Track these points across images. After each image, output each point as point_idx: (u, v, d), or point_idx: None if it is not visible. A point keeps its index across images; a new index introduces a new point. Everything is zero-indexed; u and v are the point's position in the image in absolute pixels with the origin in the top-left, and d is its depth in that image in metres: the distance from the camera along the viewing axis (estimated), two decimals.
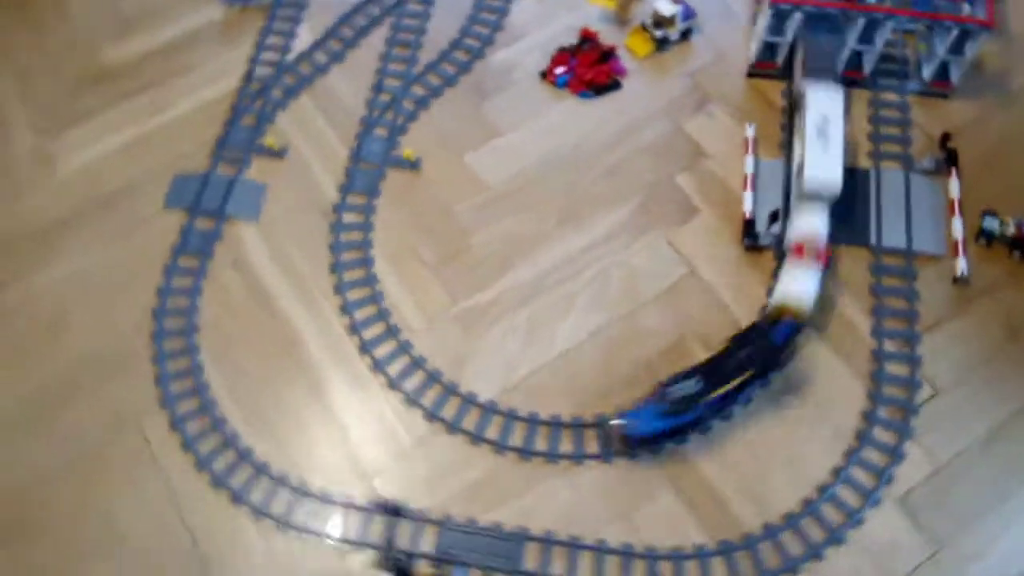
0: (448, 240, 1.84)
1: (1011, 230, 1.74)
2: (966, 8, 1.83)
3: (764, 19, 1.87)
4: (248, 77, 2.04)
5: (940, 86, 1.95)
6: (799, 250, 1.68)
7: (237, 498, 1.57)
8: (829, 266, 1.74)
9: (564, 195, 1.89)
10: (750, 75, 2.01)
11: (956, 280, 1.73)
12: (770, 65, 1.98)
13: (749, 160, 1.86)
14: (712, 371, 1.56)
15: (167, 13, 2.15)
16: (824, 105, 1.74)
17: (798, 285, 1.65)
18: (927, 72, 1.94)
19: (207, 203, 1.86)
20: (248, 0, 2.14)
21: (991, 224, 1.76)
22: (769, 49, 1.95)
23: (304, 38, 2.11)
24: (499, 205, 1.88)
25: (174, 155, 1.94)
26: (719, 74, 2.03)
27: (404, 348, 1.71)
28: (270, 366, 1.70)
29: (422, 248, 1.83)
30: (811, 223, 1.70)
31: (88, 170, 1.93)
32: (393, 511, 1.54)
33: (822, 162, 1.69)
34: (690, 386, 1.53)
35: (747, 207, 1.80)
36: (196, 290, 1.77)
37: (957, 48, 1.86)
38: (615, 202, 1.87)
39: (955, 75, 1.92)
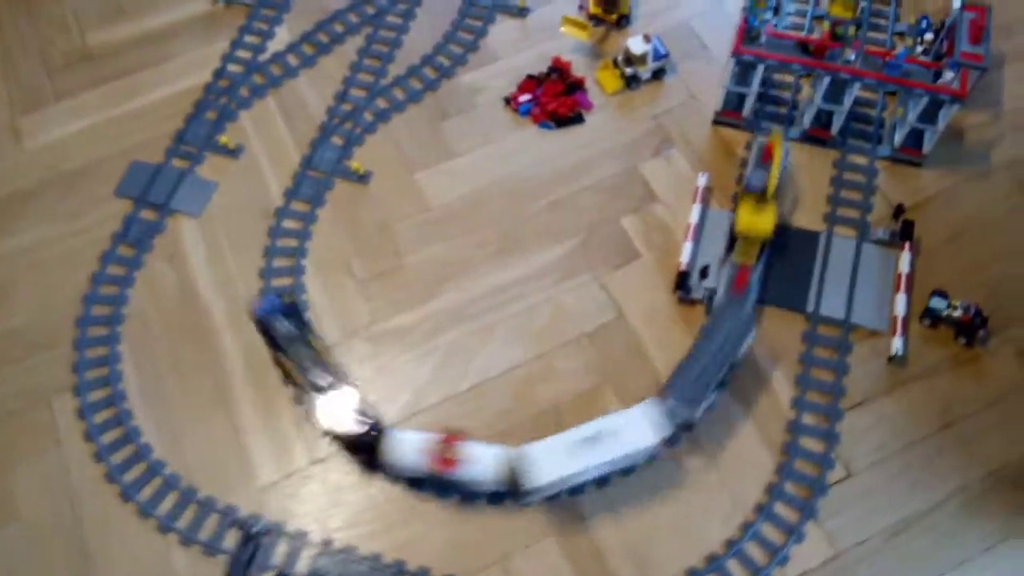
0: (382, 257, 1.83)
1: (958, 313, 1.65)
2: (948, 76, 1.75)
3: (728, 68, 1.82)
4: (218, 73, 2.06)
5: (911, 153, 1.86)
6: None
7: (127, 495, 1.58)
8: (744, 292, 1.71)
9: (506, 224, 1.86)
10: (715, 123, 1.95)
11: (891, 359, 1.65)
12: (734, 115, 1.92)
13: (696, 209, 1.81)
14: None
15: (155, 3, 2.19)
16: None
17: None
18: (898, 137, 1.85)
19: (154, 195, 1.89)
20: None
21: (938, 304, 1.67)
22: (735, 98, 1.90)
23: (281, 39, 2.13)
24: (439, 227, 1.86)
25: (136, 142, 1.97)
26: (685, 118, 1.98)
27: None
28: (184, 366, 1.71)
29: (355, 262, 1.82)
30: None
31: (53, 148, 1.98)
32: (254, 536, 1.54)
33: None
34: None
35: (684, 258, 1.75)
36: (128, 280, 1.80)
37: (929, 117, 1.78)
38: (556, 237, 1.84)
39: (927, 144, 1.83)
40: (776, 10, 2.09)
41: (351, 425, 1.57)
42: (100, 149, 1.97)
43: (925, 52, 1.95)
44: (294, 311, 1.69)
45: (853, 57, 1.77)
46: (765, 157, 1.70)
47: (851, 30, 2.02)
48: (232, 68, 2.07)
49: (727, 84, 1.85)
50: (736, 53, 1.76)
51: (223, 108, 2.01)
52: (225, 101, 2.02)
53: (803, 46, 1.77)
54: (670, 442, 1.59)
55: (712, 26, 2.10)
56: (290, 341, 1.64)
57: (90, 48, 2.12)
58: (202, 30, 2.15)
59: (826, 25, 2.03)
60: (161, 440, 1.64)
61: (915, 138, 1.84)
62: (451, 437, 1.52)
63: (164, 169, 1.92)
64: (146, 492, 1.59)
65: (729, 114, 1.93)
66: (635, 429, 1.49)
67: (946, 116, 1.75)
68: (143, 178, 1.91)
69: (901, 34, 2.06)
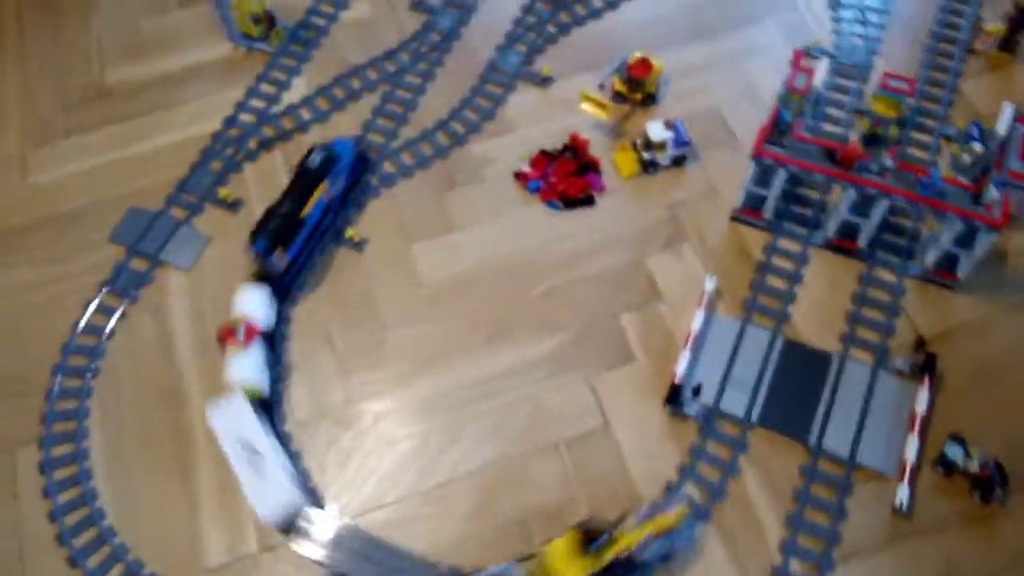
0: (366, 330, 1.75)
1: (974, 466, 1.49)
2: (993, 194, 1.60)
3: (749, 168, 1.70)
4: (229, 122, 2.03)
5: (944, 276, 1.71)
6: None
7: (74, 560, 1.53)
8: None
9: (499, 309, 1.77)
10: (734, 219, 1.83)
11: (895, 510, 1.50)
12: (755, 214, 1.80)
13: (699, 316, 1.69)
14: None
15: (180, 43, 2.18)
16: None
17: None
18: (931, 257, 1.70)
19: (147, 244, 1.85)
20: (253, 43, 2.13)
21: (954, 453, 1.51)
22: (756, 196, 1.77)
23: (297, 90, 2.09)
24: (429, 305, 1.78)
25: (138, 187, 1.95)
26: (703, 211, 1.86)
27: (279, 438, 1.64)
28: (150, 430, 1.66)
29: (337, 333, 1.75)
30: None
31: (56, 186, 1.96)
32: None
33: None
34: None
35: (680, 369, 1.63)
36: (108, 331, 1.77)
37: (966, 241, 1.63)
38: (549, 328, 1.74)
39: (963, 269, 1.68)
40: (816, 102, 1.97)
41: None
42: (101, 191, 1.95)
43: (973, 164, 1.80)
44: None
45: (888, 163, 1.63)
46: None
47: (892, 130, 1.89)
48: (244, 117, 2.04)
49: (747, 184, 1.73)
50: (756, 155, 1.64)
51: (229, 159, 1.97)
52: (232, 152, 1.98)
53: (830, 153, 1.64)
54: None
55: (743, 114, 1.98)
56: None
57: (108, 85, 2.12)
58: (220, 75, 2.12)
59: (866, 122, 1.90)
60: (116, 506, 1.59)
61: (950, 260, 1.69)
62: None
63: (161, 218, 1.89)
64: (94, 560, 1.53)
65: (749, 212, 1.80)
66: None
67: (984, 244, 1.60)
68: (139, 225, 1.88)
69: (948, 138, 1.91)
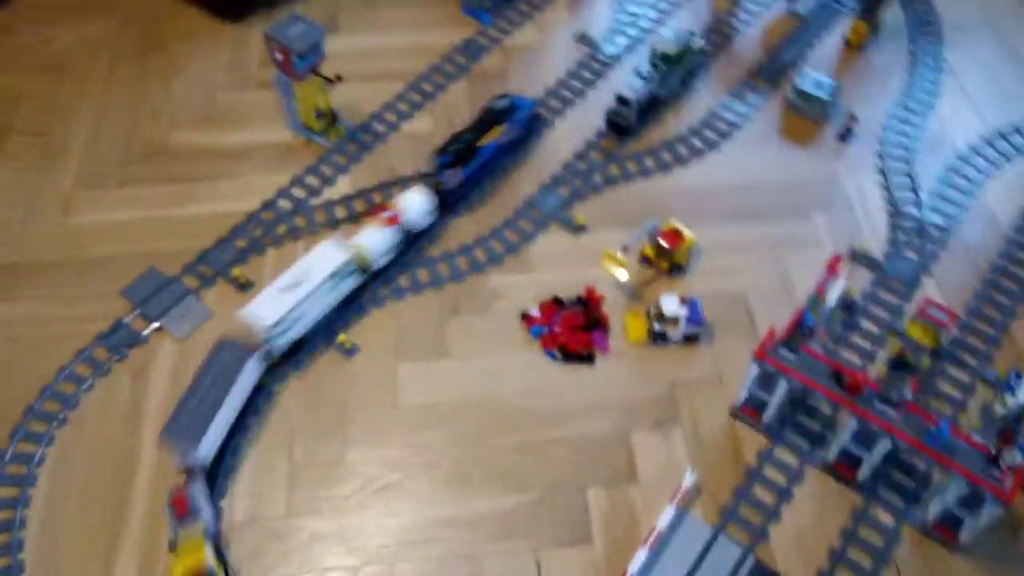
0: (328, 445, 1.70)
1: None
2: (1015, 458, 1.44)
3: (752, 368, 1.60)
4: (267, 205, 2.08)
5: (946, 535, 1.54)
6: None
7: None
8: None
9: (467, 450, 1.69)
10: (733, 415, 1.72)
11: None
12: (755, 415, 1.69)
13: (669, 512, 1.57)
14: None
15: (247, 120, 2.27)
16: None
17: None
18: (933, 511, 1.54)
19: (151, 306, 1.88)
20: (312, 135, 2.21)
21: None
22: (758, 400, 1.66)
23: (340, 188, 2.13)
24: (399, 430, 1.72)
25: (165, 249, 1.99)
26: (703, 398, 1.76)
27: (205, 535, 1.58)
28: (95, 492, 1.64)
29: (300, 439, 1.71)
30: None
31: (90, 230, 2.04)
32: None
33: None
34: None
35: (633, 568, 1.50)
36: (89, 384, 1.78)
37: (971, 504, 1.47)
38: (512, 485, 1.65)
39: (966, 533, 1.51)
40: (850, 308, 1.87)
41: None
42: (131, 244, 2.01)
43: (1003, 417, 1.65)
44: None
45: (907, 395, 1.51)
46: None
47: (924, 359, 1.76)
48: (281, 203, 2.09)
49: (748, 383, 1.63)
50: (758, 358, 1.55)
51: (255, 240, 2.01)
52: (259, 234, 2.03)
53: (838, 375, 1.53)
54: None
55: (769, 306, 1.89)
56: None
57: (171, 144, 2.22)
58: (274, 159, 2.19)
59: (898, 345, 1.78)
60: (35, 564, 1.56)
61: (954, 520, 1.52)
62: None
63: (173, 283, 1.92)
64: None
65: (750, 412, 1.69)
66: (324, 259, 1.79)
67: (991, 512, 1.44)
68: (151, 286, 1.92)
69: (985, 381, 1.76)
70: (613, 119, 2.21)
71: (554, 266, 1.99)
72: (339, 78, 2.12)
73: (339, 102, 2.24)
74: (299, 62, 2.01)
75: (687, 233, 1.91)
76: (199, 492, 1.56)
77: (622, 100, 2.16)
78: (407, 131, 2.27)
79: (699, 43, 2.27)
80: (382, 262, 1.90)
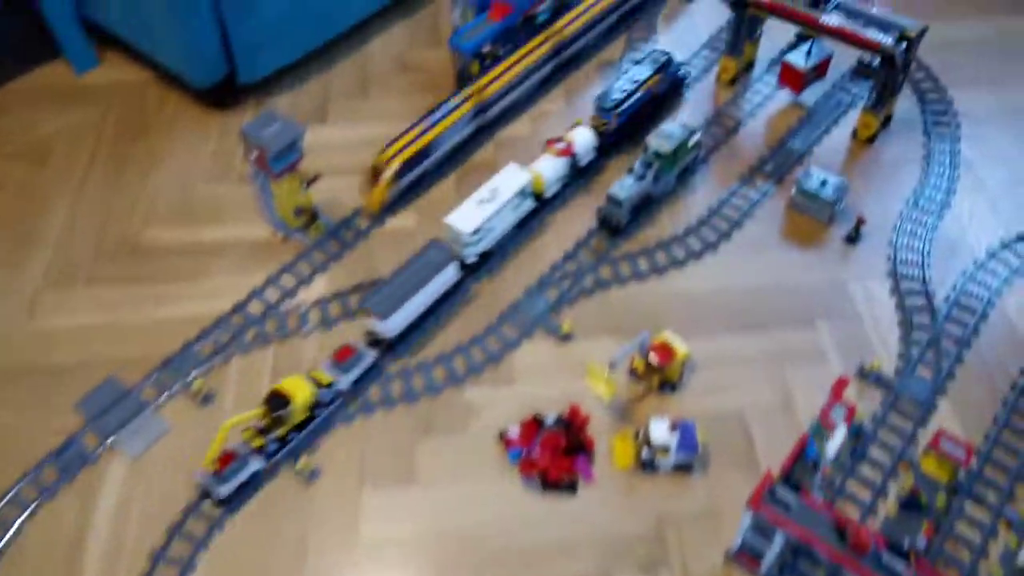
0: None
1: None
2: None
3: (746, 516, 1.44)
4: (238, 307, 1.98)
5: None
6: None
7: None
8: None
9: None
10: (727, 560, 1.56)
11: None
12: (753, 562, 1.52)
13: None
14: None
15: (226, 215, 2.19)
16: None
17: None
18: None
19: (105, 422, 1.77)
20: (292, 232, 2.12)
21: None
22: (754, 547, 1.50)
23: (316, 289, 2.03)
24: (356, 567, 1.57)
25: (129, 355, 1.89)
26: (696, 536, 1.59)
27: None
28: None
29: None
30: None
31: (56, 334, 1.95)
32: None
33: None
34: None
35: None
36: (32, 509, 1.66)
37: None
38: None
39: None
40: (858, 434, 1.71)
41: None
42: (95, 350, 1.91)
43: None
44: None
45: (920, 544, 1.34)
46: None
47: (939, 498, 1.60)
48: (253, 307, 1.98)
49: (743, 530, 1.47)
50: (752, 507, 1.39)
51: (222, 347, 1.90)
52: (227, 340, 1.92)
53: (840, 529, 1.36)
54: None
55: (771, 429, 1.74)
56: None
57: (143, 242, 2.14)
58: (250, 256, 2.10)
59: (910, 479, 1.62)
60: None
61: None
62: None
63: (130, 396, 1.81)
64: None
65: (746, 559, 1.53)
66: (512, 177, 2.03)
67: None
68: (108, 398, 1.81)
69: (1009, 523, 1.59)
70: (605, 218, 2.10)
71: (537, 378, 1.85)
72: (316, 178, 2.04)
73: (322, 196, 2.16)
74: (275, 162, 1.93)
75: (679, 347, 1.77)
76: (365, 359, 1.81)
77: (613, 200, 2.05)
78: (391, 227, 2.17)
79: (696, 138, 2.17)
80: (553, 189, 2.13)
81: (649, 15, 2.74)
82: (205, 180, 2.30)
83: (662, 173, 2.11)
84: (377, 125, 2.41)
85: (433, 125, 2.19)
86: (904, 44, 2.07)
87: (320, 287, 2.04)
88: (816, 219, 2.11)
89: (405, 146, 2.14)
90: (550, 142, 2.14)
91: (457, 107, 2.23)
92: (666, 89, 2.36)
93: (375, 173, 2.13)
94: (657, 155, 2.08)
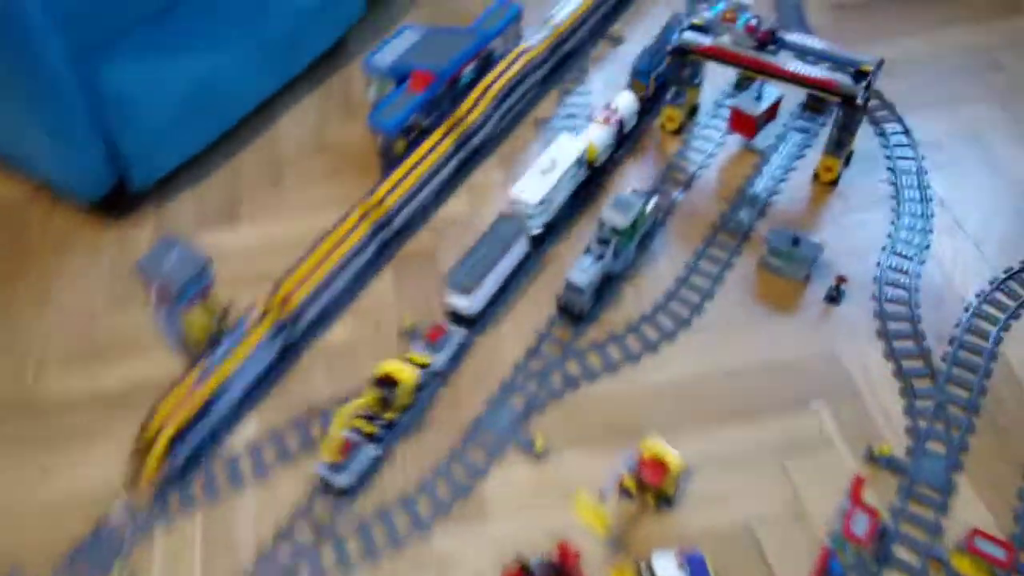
0: None
1: None
2: None
3: None
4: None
5: None
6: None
7: None
8: None
9: None
10: None
11: None
12: None
13: None
14: None
15: (131, 349, 1.89)
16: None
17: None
18: None
19: None
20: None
21: None
22: None
23: (247, 431, 1.75)
24: None
25: (30, 542, 1.58)
26: None
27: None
28: None
29: None
30: None
31: None
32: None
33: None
34: None
35: None
36: None
37: None
38: None
39: None
40: (881, 533, 1.53)
41: None
42: None
43: None
44: None
45: None
46: None
47: None
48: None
49: None
50: None
51: (142, 521, 1.62)
52: (146, 512, 1.63)
53: None
54: None
55: (781, 540, 1.53)
56: None
57: (35, 396, 1.83)
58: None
59: None
60: None
61: None
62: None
63: None
64: None
65: None
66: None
67: None
68: None
69: None
70: (566, 307, 1.89)
71: (515, 510, 1.61)
72: (228, 310, 1.79)
73: (240, 312, 1.89)
74: (181, 297, 1.66)
75: (672, 459, 1.56)
76: (455, 337, 1.83)
77: (574, 287, 1.84)
78: (326, 343, 1.91)
79: (654, 203, 1.98)
80: (602, 158, 2.11)
81: (580, 61, 2.55)
82: (105, 308, 2.00)
83: (621, 248, 1.91)
84: (297, 219, 2.15)
85: None
86: (864, 81, 1.92)
87: (251, 429, 1.77)
88: (791, 278, 1.94)
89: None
90: (597, 113, 2.18)
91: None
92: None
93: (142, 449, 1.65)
94: (614, 231, 1.87)
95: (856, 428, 1.70)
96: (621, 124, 2.15)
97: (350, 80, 2.56)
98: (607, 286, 1.94)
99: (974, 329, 1.83)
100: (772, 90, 2.16)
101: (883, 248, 1.99)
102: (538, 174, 1.94)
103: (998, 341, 1.81)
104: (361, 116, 2.41)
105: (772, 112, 2.19)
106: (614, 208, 1.88)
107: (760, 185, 2.15)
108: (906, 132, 2.24)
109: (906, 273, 1.93)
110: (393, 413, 1.70)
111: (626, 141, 2.24)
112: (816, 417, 1.71)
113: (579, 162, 2.02)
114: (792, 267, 1.92)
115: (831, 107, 2.13)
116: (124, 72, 1.96)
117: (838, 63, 1.97)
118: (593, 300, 1.88)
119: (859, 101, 1.91)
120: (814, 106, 2.29)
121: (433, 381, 1.78)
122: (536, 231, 1.97)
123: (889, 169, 2.16)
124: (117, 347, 1.92)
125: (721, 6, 2.07)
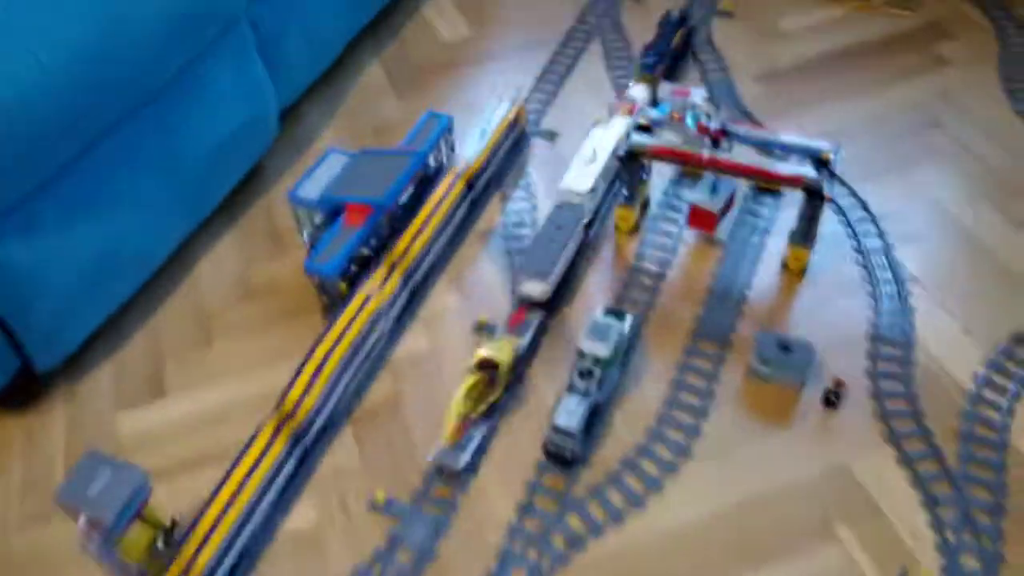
0: None
1: None
2: None
3: None
4: None
5: None
6: None
7: None
8: None
9: None
10: None
11: None
12: None
13: None
14: None
15: (60, 571, 1.62)
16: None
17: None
18: None
19: None
20: None
21: None
22: None
23: None
24: None
25: None
26: None
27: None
28: None
29: None
30: None
31: None
32: None
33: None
34: None
35: None
36: None
37: None
38: None
39: None
40: None
41: None
42: None
43: None
44: None
45: None
46: None
47: None
48: None
49: None
50: None
51: None
52: None
53: None
54: None
55: None
56: None
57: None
58: None
59: None
60: None
61: None
62: None
63: None
64: None
65: None
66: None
67: None
68: None
69: None
70: (556, 453, 1.71)
71: None
72: (173, 527, 1.53)
73: (180, 503, 1.62)
74: (117, 524, 1.40)
75: None
76: (533, 321, 1.90)
77: (563, 432, 1.66)
78: (286, 533, 1.67)
79: (631, 322, 1.84)
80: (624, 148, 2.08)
81: (518, 163, 2.42)
82: (19, 526, 1.70)
83: (606, 377, 1.76)
84: (231, 384, 1.91)
85: None
86: (826, 170, 1.84)
87: None
88: (783, 385, 1.83)
89: None
90: (617, 104, 2.26)
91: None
92: (687, 41, 2.66)
93: None
94: (597, 361, 1.72)
95: (885, 551, 1.57)
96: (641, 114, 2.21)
97: (271, 208, 2.35)
98: (597, 418, 1.77)
99: (981, 418, 1.74)
100: (728, 182, 2.07)
101: (870, 337, 1.90)
102: (583, 165, 2.05)
103: (1006, 428, 1.73)
104: (289, 248, 2.22)
105: (730, 203, 2.10)
106: (592, 337, 1.72)
107: (728, 280, 2.04)
108: (864, 206, 2.18)
109: (899, 362, 1.84)
110: (497, 393, 1.79)
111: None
112: (843, 546, 1.58)
113: (616, 149, 2.11)
114: (785, 374, 1.80)
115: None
116: (14, 251, 1.69)
117: (795, 152, 1.90)
118: (584, 441, 1.72)
119: (826, 193, 1.83)
120: (766, 187, 2.22)
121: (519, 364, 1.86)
122: (588, 217, 2.04)
123: (856, 251, 2.08)
124: (37, 570, 1.63)
125: (667, 107, 1.98)
